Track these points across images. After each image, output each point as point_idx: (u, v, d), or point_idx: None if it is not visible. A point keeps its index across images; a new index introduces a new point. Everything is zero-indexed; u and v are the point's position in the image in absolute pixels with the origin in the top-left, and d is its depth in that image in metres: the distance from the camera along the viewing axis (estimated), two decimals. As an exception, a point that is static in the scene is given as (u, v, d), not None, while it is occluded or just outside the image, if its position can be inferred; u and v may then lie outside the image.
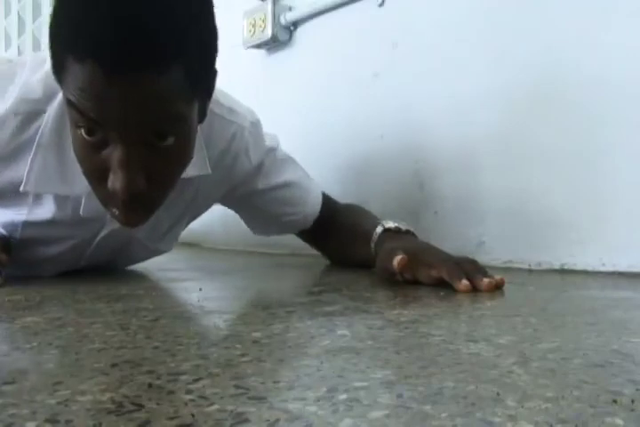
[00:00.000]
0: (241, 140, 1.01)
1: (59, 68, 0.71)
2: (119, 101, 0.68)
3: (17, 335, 0.55)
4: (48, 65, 0.78)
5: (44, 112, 0.86)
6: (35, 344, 0.50)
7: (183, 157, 0.78)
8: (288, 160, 1.11)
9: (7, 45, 4.06)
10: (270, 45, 1.68)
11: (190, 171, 0.86)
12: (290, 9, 1.62)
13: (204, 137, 0.92)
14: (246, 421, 0.30)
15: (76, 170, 0.81)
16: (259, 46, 1.68)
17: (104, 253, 1.03)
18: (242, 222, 1.19)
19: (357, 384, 0.36)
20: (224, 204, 1.14)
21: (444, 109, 1.22)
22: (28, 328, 0.58)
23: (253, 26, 1.65)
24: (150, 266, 1.19)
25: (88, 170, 0.77)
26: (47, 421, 0.30)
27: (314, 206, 1.13)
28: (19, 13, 3.87)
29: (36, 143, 0.86)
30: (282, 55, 1.69)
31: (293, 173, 1.10)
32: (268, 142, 1.06)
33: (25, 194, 0.91)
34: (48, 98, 0.86)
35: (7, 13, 4.06)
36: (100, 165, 0.74)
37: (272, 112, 1.58)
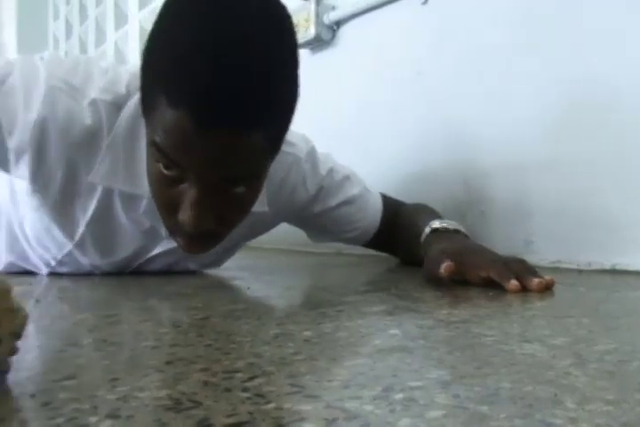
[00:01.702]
0: (298, 171, 1.02)
1: (148, 105, 0.73)
2: (204, 152, 0.70)
3: (72, 332, 0.56)
4: (132, 69, 0.80)
5: (122, 109, 0.88)
6: (90, 341, 0.51)
7: (251, 202, 0.81)
8: (344, 178, 1.09)
9: (55, 48, 4.14)
10: (313, 45, 1.68)
11: None
12: (333, 8, 1.63)
13: None
14: (304, 419, 0.30)
15: (143, 170, 0.84)
16: (302, 46, 1.68)
17: (155, 266, 1.05)
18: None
19: (412, 384, 0.36)
20: (282, 221, 1.14)
21: (489, 108, 1.21)
22: (82, 325, 0.59)
23: (296, 26, 1.65)
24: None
25: (160, 200, 0.80)
26: (108, 416, 0.31)
27: (373, 221, 1.13)
28: (66, 17, 3.94)
29: (110, 138, 0.88)
30: (325, 54, 1.69)
31: (350, 190, 1.10)
32: (324, 166, 1.06)
33: (94, 189, 0.92)
34: (128, 96, 0.89)
35: (55, 17, 4.14)
36: (172, 198, 0.77)
37: (315, 111, 1.59)
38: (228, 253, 1.11)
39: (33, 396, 0.35)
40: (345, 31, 1.63)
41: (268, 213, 0.99)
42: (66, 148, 0.88)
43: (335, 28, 1.64)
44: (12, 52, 4.18)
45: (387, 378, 0.37)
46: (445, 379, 0.37)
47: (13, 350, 0.37)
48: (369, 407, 0.32)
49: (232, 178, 0.74)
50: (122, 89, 0.89)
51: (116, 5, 3.25)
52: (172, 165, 0.73)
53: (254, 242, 1.81)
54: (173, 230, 0.82)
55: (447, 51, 1.32)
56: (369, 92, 1.54)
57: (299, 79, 0.76)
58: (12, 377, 0.38)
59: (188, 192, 0.74)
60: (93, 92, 0.88)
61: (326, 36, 1.64)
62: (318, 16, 1.62)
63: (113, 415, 0.31)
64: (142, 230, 0.96)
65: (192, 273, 1.08)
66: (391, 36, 1.47)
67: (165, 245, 0.98)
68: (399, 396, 0.33)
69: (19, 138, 0.86)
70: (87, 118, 0.87)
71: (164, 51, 0.70)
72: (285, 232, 1.27)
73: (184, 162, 0.72)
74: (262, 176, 0.80)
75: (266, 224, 1.08)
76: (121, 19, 3.21)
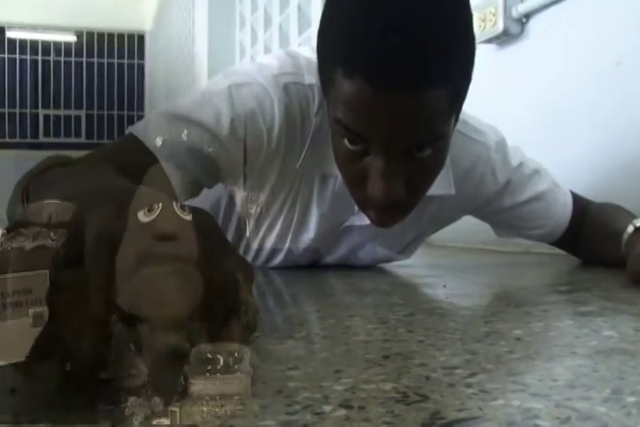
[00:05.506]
0: (487, 161, 1.00)
1: (327, 83, 0.75)
2: (386, 119, 0.70)
3: (285, 325, 0.59)
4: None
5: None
6: (304, 334, 0.53)
7: (437, 167, 0.80)
8: (534, 173, 1.06)
9: (241, 56, 4.34)
10: (501, 39, 1.64)
11: (434, 189, 0.86)
12: (522, 0, 1.58)
13: (449, 156, 0.90)
14: (536, 417, 0.30)
15: (331, 150, 0.84)
16: (489, 41, 1.65)
17: (343, 249, 1.06)
18: (470, 220, 1.17)
19: (643, 388, 0.35)
20: (467, 214, 1.13)
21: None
22: (291, 319, 0.62)
23: (483, 20, 1.63)
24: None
25: (348, 175, 0.80)
26: (341, 406, 0.32)
27: (562, 218, 1.08)
28: (252, 25, 4.12)
29: (313, 126, 0.89)
30: (513, 49, 1.64)
31: (539, 185, 1.05)
32: (514, 159, 1.03)
33: (293, 173, 0.94)
34: None
35: (242, 26, 4.34)
36: (360, 172, 0.77)
37: (505, 108, 1.55)
38: (415, 242, 1.10)
39: (265, 383, 0.37)
40: (535, 24, 1.58)
41: (453, 201, 0.97)
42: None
43: (524, 20, 1.59)
44: (203, 63, 4.43)
45: (613, 380, 0.36)
46: (678, 384, 0.35)
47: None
48: (601, 409, 0.31)
49: (417, 141, 0.73)
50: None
51: (300, 9, 3.35)
52: (357, 137, 0.73)
53: (438, 240, 1.82)
54: (363, 204, 0.82)
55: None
56: (562, 86, 1.48)
57: (474, 32, 0.74)
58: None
59: (375, 163, 0.74)
60: (309, 78, 0.88)
61: (515, 30, 1.59)
62: (506, 9, 1.58)
63: (345, 405, 0.32)
64: (333, 209, 0.98)
65: (382, 271, 1.09)
66: (585, 23, 1.40)
67: (355, 220, 0.99)
68: (632, 399, 0.32)
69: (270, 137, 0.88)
70: (311, 106, 0.89)
71: (334, 24, 0.71)
72: (470, 230, 1.26)
73: (369, 130, 0.72)
74: (447, 137, 0.77)
75: (451, 214, 1.06)
76: (304, 23, 3.31)
